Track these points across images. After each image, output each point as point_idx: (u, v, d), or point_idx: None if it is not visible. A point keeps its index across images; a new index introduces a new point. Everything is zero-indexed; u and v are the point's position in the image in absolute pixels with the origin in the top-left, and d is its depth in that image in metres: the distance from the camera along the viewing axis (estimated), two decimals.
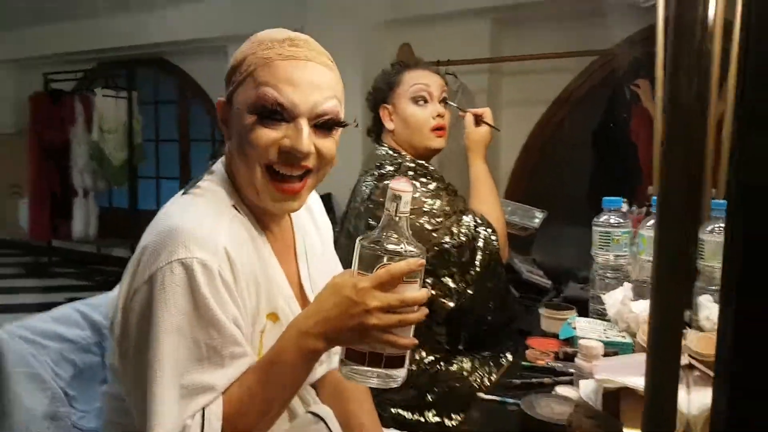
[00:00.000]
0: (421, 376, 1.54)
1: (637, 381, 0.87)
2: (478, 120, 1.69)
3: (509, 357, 1.61)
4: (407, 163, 1.62)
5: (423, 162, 1.65)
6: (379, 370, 0.80)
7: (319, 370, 1.05)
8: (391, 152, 1.66)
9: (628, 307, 1.10)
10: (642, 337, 1.02)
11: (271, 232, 0.97)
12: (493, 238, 1.54)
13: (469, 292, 1.52)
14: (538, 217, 1.74)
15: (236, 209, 0.91)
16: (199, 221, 0.84)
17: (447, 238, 1.50)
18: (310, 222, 1.11)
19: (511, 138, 4.02)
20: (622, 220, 1.34)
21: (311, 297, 0.99)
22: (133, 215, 5.40)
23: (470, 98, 3.72)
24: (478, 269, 1.51)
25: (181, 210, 0.87)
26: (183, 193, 0.92)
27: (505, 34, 3.90)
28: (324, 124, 0.89)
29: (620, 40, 3.12)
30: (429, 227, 1.50)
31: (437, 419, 1.52)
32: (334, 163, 0.93)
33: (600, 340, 1.08)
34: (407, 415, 1.53)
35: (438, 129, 1.65)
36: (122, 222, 5.61)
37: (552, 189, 3.90)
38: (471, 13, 3.75)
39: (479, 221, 1.55)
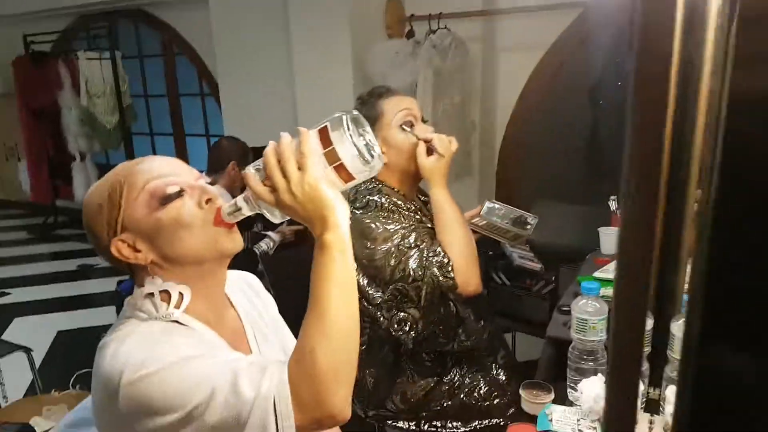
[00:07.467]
0: (413, 397, 1.65)
1: None
2: (429, 149, 1.57)
3: (497, 367, 1.72)
4: (383, 200, 1.59)
5: (396, 200, 1.61)
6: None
7: None
8: (370, 184, 1.62)
9: (600, 404, 1.14)
10: None
11: (221, 327, 0.99)
12: (442, 272, 1.51)
13: (422, 322, 1.56)
14: (530, 223, 1.71)
15: (178, 323, 0.93)
16: (145, 337, 0.87)
17: (401, 275, 1.51)
18: (253, 302, 1.15)
19: (507, 87, 3.92)
20: (598, 306, 1.34)
21: None
22: None
23: (464, 50, 3.59)
24: (427, 300, 1.52)
25: (122, 337, 0.88)
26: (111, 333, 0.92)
27: None
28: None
29: None
30: (391, 264, 1.52)
31: (432, 429, 1.65)
32: None
33: None
34: (404, 426, 1.66)
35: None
36: None
37: (548, 142, 3.82)
38: None
39: (431, 254, 1.52)
